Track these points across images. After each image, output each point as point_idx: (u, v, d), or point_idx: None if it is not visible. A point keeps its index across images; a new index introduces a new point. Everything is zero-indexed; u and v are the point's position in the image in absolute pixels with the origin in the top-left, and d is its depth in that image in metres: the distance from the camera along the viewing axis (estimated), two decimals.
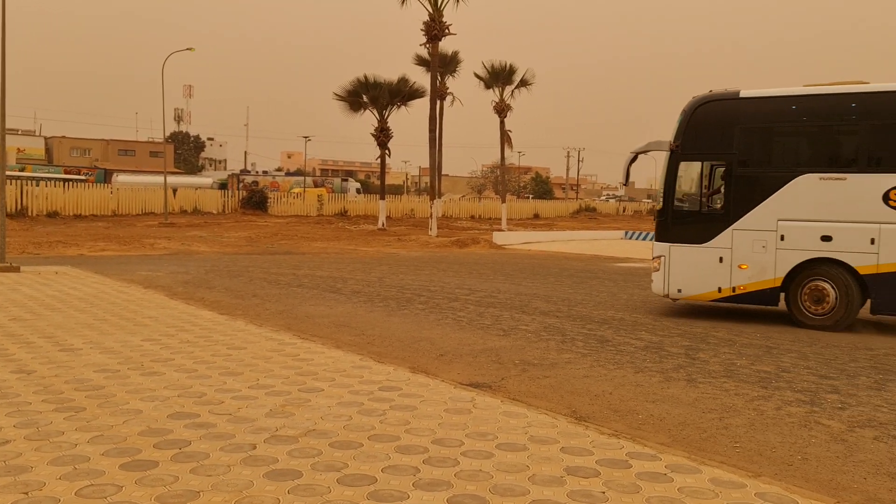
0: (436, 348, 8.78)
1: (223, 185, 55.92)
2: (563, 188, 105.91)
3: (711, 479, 4.55)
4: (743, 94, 11.30)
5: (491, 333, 9.85)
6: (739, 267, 11.06)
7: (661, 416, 6.13)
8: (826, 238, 10.54)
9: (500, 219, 45.23)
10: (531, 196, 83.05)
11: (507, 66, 43.06)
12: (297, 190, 55.61)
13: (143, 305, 11.23)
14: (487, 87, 43.70)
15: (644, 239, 40.42)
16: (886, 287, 10.21)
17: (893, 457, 5.24)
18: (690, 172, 11.77)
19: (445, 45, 41.62)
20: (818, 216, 10.59)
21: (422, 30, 34.19)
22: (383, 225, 38.45)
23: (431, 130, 35.11)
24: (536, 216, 59.92)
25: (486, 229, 39.75)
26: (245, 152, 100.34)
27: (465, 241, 30.98)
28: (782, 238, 10.78)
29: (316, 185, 62.17)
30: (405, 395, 6.36)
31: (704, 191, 11.63)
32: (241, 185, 56.43)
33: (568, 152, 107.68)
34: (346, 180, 70.18)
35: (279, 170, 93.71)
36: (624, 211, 74.17)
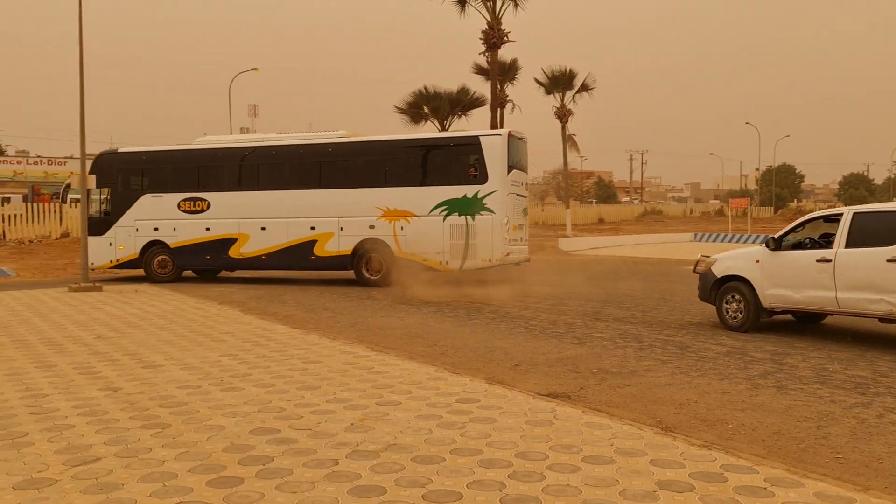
0: (510, 358, 8.64)
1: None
2: (627, 191, 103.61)
3: (816, 493, 4.29)
4: (120, 150, 20.29)
5: (565, 342, 9.66)
6: (119, 248, 19.10)
7: (752, 426, 5.85)
8: (156, 228, 18.82)
9: (564, 225, 44.70)
10: (594, 201, 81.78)
11: (567, 70, 42.64)
12: None
13: (219, 321, 11.45)
14: (548, 92, 43.32)
15: (715, 240, 39.43)
16: (182, 253, 18.65)
17: None
18: (100, 195, 19.68)
19: (504, 53, 41.52)
20: (153, 217, 18.88)
21: (481, 39, 34.15)
22: None
23: None
24: (601, 221, 58.98)
25: (550, 235, 39.30)
26: None
27: (531, 248, 30.64)
28: (137, 230, 18.94)
29: None
30: (483, 406, 6.25)
31: (103, 205, 19.65)
32: None
33: (631, 155, 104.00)
34: None
35: None
36: (691, 213, 72.52)
